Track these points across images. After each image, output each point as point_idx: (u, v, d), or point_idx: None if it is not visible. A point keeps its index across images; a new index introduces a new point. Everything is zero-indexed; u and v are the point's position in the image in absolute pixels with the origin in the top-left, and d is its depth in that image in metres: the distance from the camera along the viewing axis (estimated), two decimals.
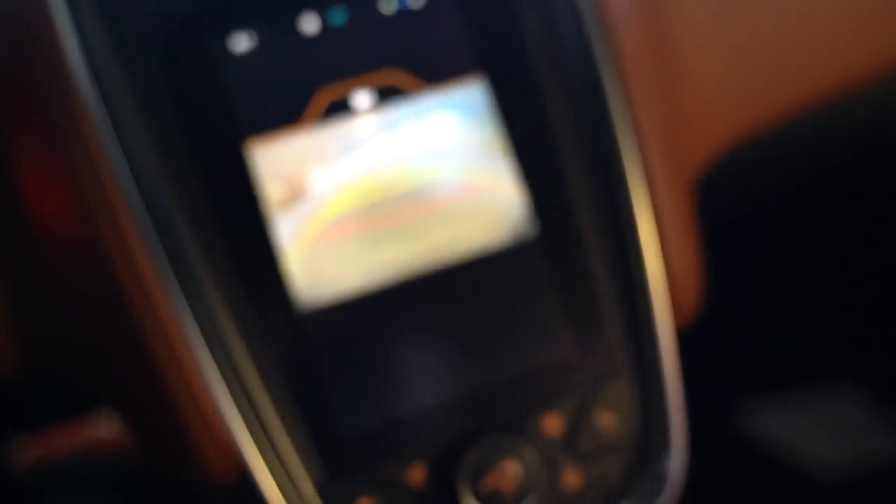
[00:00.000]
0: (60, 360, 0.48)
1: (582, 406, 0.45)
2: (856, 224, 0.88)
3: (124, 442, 0.51)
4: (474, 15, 0.46)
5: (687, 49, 0.52)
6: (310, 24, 0.45)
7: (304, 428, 0.43)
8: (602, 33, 0.47)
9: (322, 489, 0.43)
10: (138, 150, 0.42)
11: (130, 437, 0.49)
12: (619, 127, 0.47)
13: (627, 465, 0.46)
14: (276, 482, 0.42)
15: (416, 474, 0.43)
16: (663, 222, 0.48)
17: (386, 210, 0.44)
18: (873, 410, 0.88)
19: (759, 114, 0.55)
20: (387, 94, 0.45)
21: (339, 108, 0.44)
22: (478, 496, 0.43)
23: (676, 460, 0.46)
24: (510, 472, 0.43)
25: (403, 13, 0.45)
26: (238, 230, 0.43)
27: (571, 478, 0.45)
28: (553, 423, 0.45)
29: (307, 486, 0.43)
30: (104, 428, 0.52)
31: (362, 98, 0.45)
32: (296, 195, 0.43)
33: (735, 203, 0.73)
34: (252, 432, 0.42)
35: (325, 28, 0.45)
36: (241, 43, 0.44)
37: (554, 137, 0.46)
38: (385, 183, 0.44)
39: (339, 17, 0.45)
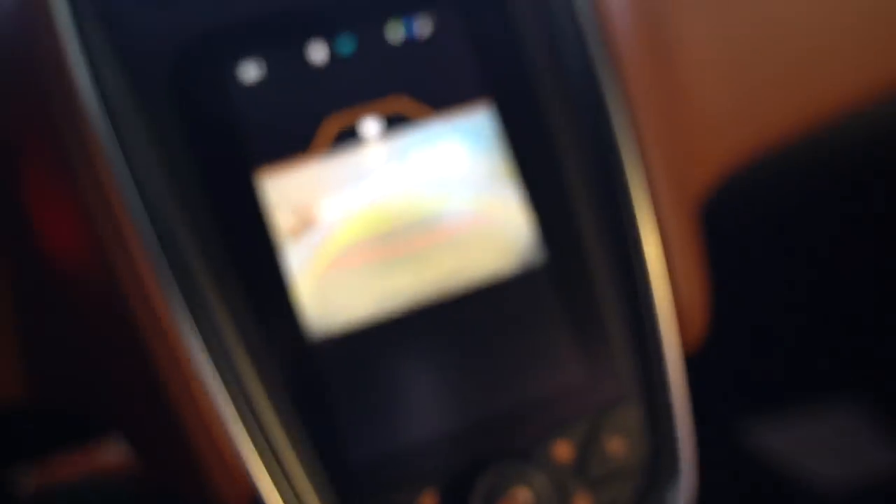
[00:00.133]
0: (69, 387, 0.48)
1: (591, 432, 0.45)
2: (857, 242, 0.88)
3: (132, 468, 0.51)
4: (480, 42, 0.46)
5: (690, 72, 0.52)
6: (318, 53, 0.45)
7: (315, 455, 0.43)
8: (606, 59, 0.48)
9: None
10: (149, 180, 0.43)
11: (139, 464, 0.50)
12: (625, 152, 0.47)
13: (637, 491, 0.46)
14: None
15: (427, 502, 0.44)
16: (669, 247, 0.48)
17: (395, 239, 0.44)
18: (875, 425, 0.88)
19: (763, 136, 0.55)
20: (394, 122, 0.45)
21: (348, 136, 0.45)
22: None
23: (686, 484, 0.46)
24: (521, 499, 0.44)
25: (410, 42, 0.46)
26: (249, 259, 0.43)
27: None
28: (563, 450, 0.45)
29: None
30: (112, 454, 0.52)
31: (370, 126, 0.45)
32: (305, 224, 0.44)
33: (738, 223, 0.74)
34: (263, 459, 0.43)
35: (333, 57, 0.45)
36: (250, 72, 0.44)
37: (560, 163, 0.47)
38: (394, 212, 0.45)
39: (346, 45, 0.45)
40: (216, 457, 0.43)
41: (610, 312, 0.46)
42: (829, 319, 0.92)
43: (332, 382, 0.43)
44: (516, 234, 0.45)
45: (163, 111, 0.43)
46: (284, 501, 0.43)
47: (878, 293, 0.88)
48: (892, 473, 0.84)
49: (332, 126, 0.45)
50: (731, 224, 0.70)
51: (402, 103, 0.45)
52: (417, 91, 0.45)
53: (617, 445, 0.46)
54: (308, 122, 0.44)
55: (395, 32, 0.46)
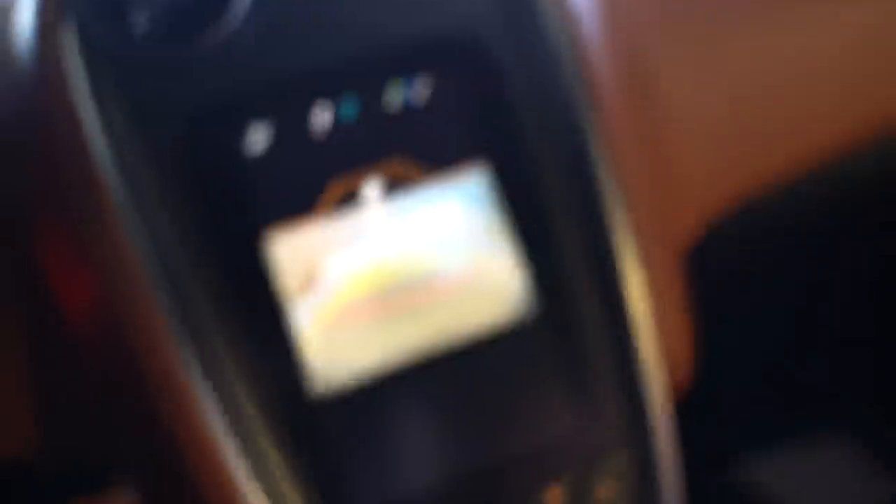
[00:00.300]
0: (80, 439, 0.50)
1: (582, 479, 0.47)
2: (847, 281, 0.90)
3: None
4: (475, 107, 0.49)
5: (676, 127, 0.55)
6: (322, 117, 0.47)
7: None
8: (593, 120, 0.50)
9: None
10: (161, 241, 0.45)
11: None
12: (611, 208, 0.50)
13: None
14: None
15: None
16: (656, 297, 0.50)
17: (396, 295, 0.47)
18: (865, 462, 0.90)
19: (749, 181, 0.57)
20: (395, 184, 0.47)
21: (350, 197, 0.47)
22: None
23: None
24: None
25: (409, 104, 0.48)
26: (257, 317, 0.45)
27: None
28: (555, 497, 0.47)
29: None
30: None
31: (371, 188, 0.47)
32: (311, 282, 0.46)
33: (726, 266, 0.76)
34: None
35: (336, 124, 0.47)
36: (258, 139, 0.46)
37: (550, 220, 0.49)
38: (394, 269, 0.47)
39: (349, 108, 0.48)
40: None
41: (599, 362, 0.48)
42: (819, 355, 0.94)
43: (337, 435, 0.45)
44: (510, 289, 0.48)
45: (174, 176, 0.45)
46: None
47: (870, 329, 0.90)
48: None
49: (335, 189, 0.47)
50: (720, 265, 0.72)
51: (401, 166, 0.48)
52: (416, 153, 0.48)
53: (607, 491, 0.48)
54: (313, 184, 0.47)
55: (395, 94, 0.48)
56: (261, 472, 0.44)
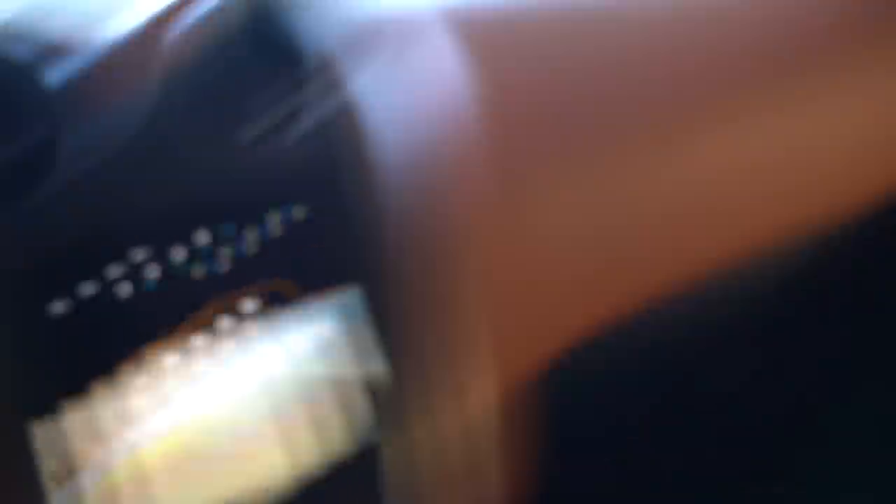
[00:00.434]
0: None
1: None
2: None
3: None
4: (347, 227, 0.49)
5: (546, 244, 0.54)
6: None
7: None
8: (453, 239, 0.50)
9: None
10: None
11: None
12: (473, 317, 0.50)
13: None
14: None
15: None
16: (504, 420, 0.51)
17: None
18: None
19: (613, 308, 0.57)
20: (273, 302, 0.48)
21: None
22: None
23: None
24: None
25: (286, 227, 0.49)
26: None
27: None
28: None
29: None
30: None
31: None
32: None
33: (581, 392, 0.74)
34: None
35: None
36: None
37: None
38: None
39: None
40: None
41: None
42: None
43: None
44: (359, 413, 0.49)
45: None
46: None
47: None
48: None
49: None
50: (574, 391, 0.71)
51: (275, 286, 0.49)
52: (292, 275, 0.49)
53: None
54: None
55: (271, 222, 0.49)
56: None
